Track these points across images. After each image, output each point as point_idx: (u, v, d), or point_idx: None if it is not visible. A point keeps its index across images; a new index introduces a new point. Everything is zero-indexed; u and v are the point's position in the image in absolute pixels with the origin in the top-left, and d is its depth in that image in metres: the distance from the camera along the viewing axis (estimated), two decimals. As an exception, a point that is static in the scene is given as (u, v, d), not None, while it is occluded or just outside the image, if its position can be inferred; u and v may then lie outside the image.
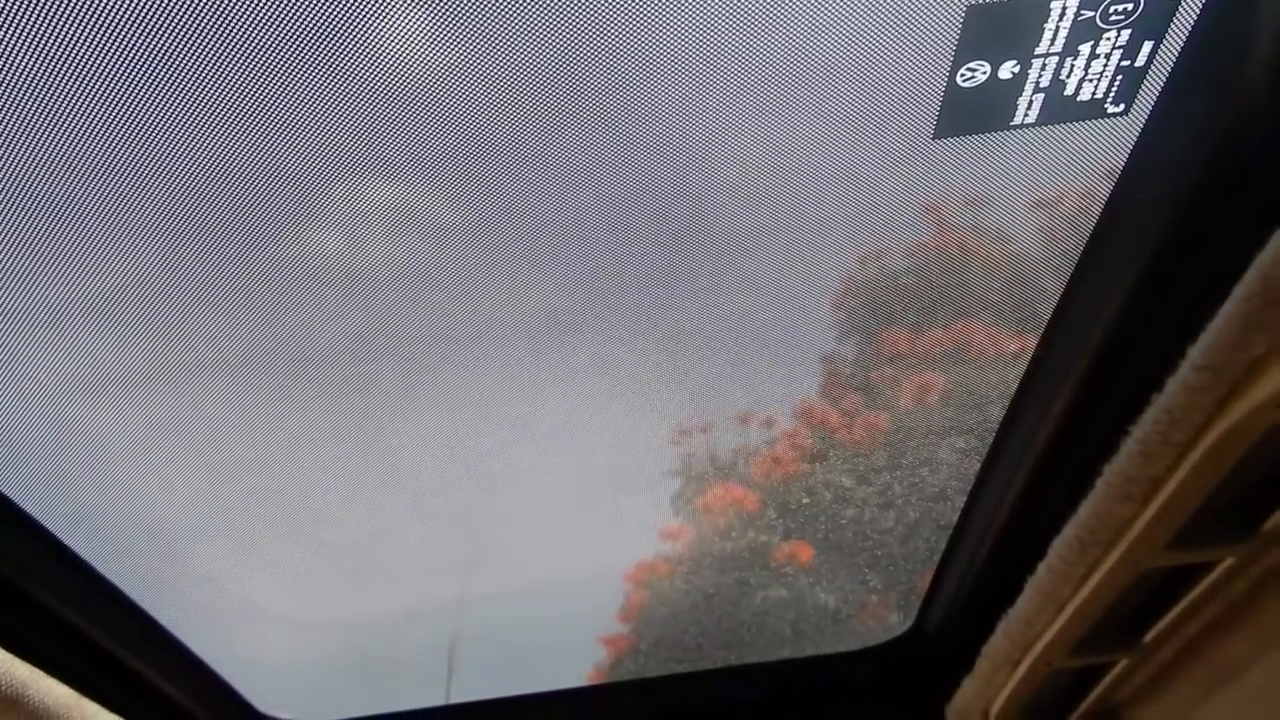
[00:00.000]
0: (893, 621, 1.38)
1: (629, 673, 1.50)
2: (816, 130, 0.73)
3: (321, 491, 1.20)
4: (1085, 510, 0.84)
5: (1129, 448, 0.75)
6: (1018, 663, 1.08)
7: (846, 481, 1.21)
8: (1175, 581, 0.95)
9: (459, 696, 1.44)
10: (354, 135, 0.78)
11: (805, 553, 1.31)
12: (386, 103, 0.75)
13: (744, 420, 1.15)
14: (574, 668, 1.51)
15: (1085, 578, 0.90)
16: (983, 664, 1.13)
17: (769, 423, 1.15)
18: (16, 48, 0.64)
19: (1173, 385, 0.68)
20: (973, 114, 0.69)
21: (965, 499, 1.14)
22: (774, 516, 1.26)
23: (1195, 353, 0.66)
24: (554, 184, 0.84)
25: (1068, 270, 0.84)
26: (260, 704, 1.35)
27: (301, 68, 0.70)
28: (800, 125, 0.73)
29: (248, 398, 1.05)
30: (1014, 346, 0.96)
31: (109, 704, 1.04)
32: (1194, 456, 0.71)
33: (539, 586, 1.39)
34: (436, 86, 0.74)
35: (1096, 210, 0.78)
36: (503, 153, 0.81)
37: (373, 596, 1.43)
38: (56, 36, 0.63)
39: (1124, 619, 0.99)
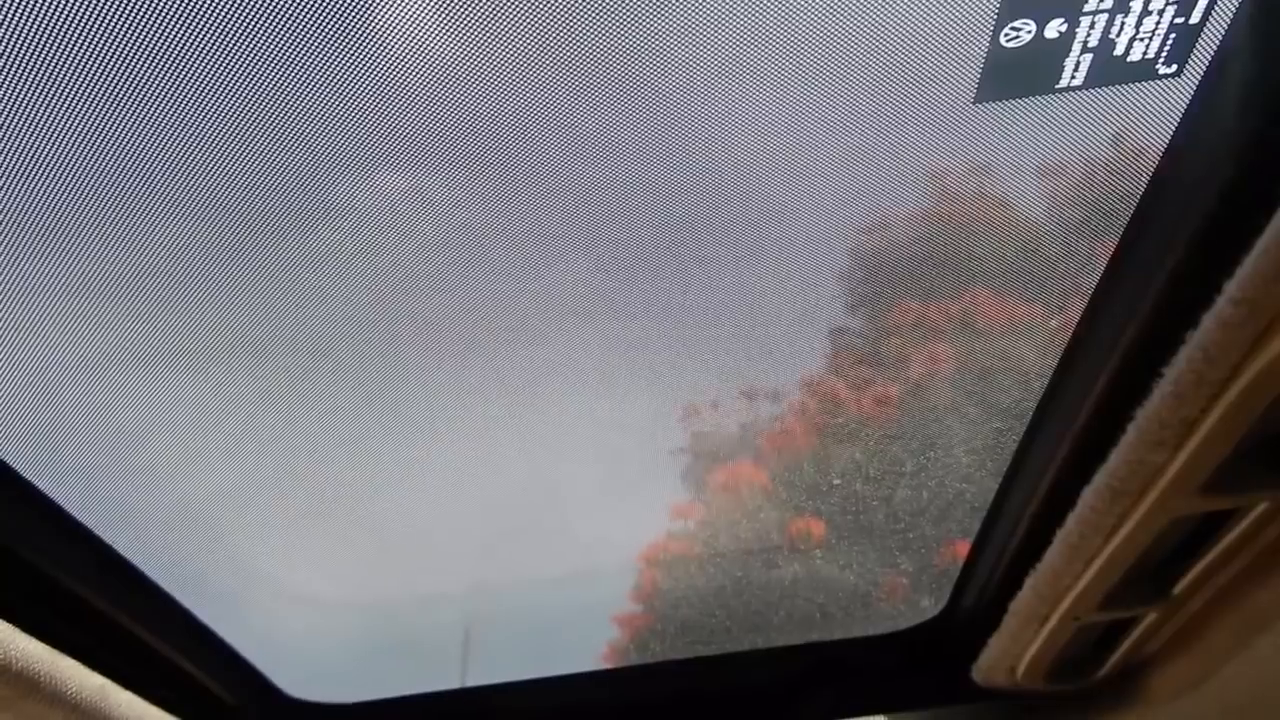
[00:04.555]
0: (924, 605, 1.35)
1: (644, 654, 1.49)
2: (848, 94, 0.70)
3: (343, 475, 1.20)
4: (1116, 458, 0.82)
5: (1162, 389, 0.73)
6: (1045, 618, 1.07)
7: (876, 464, 1.18)
8: (1206, 529, 0.93)
9: (476, 676, 1.44)
10: (369, 123, 0.78)
11: (818, 529, 1.29)
12: (403, 90, 0.74)
13: (758, 397, 1.13)
14: (587, 648, 1.51)
15: (1115, 527, 0.89)
16: (1010, 620, 1.12)
17: (795, 402, 1.13)
18: (43, 33, 0.63)
19: (1208, 321, 0.66)
20: (1017, 76, 0.66)
21: (1000, 480, 1.12)
22: (796, 496, 1.24)
23: (1232, 286, 0.64)
24: (565, 160, 0.82)
25: (1113, 241, 0.80)
26: (285, 686, 1.35)
27: (325, 51, 0.69)
28: (830, 89, 0.70)
29: (272, 381, 1.05)
30: (1055, 321, 0.93)
31: (133, 687, 1.04)
32: (1229, 396, 0.69)
33: (551, 566, 1.39)
34: (449, 72, 0.73)
35: (1144, 177, 0.75)
36: (510, 130, 0.79)
37: (394, 579, 1.43)
38: (78, 28, 0.63)
39: (1153, 570, 0.98)
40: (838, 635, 1.38)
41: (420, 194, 0.87)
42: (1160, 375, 0.73)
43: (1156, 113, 0.70)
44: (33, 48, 0.63)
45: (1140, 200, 0.76)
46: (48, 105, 0.68)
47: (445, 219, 0.89)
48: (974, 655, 1.24)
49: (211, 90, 0.70)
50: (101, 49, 0.65)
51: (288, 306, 0.97)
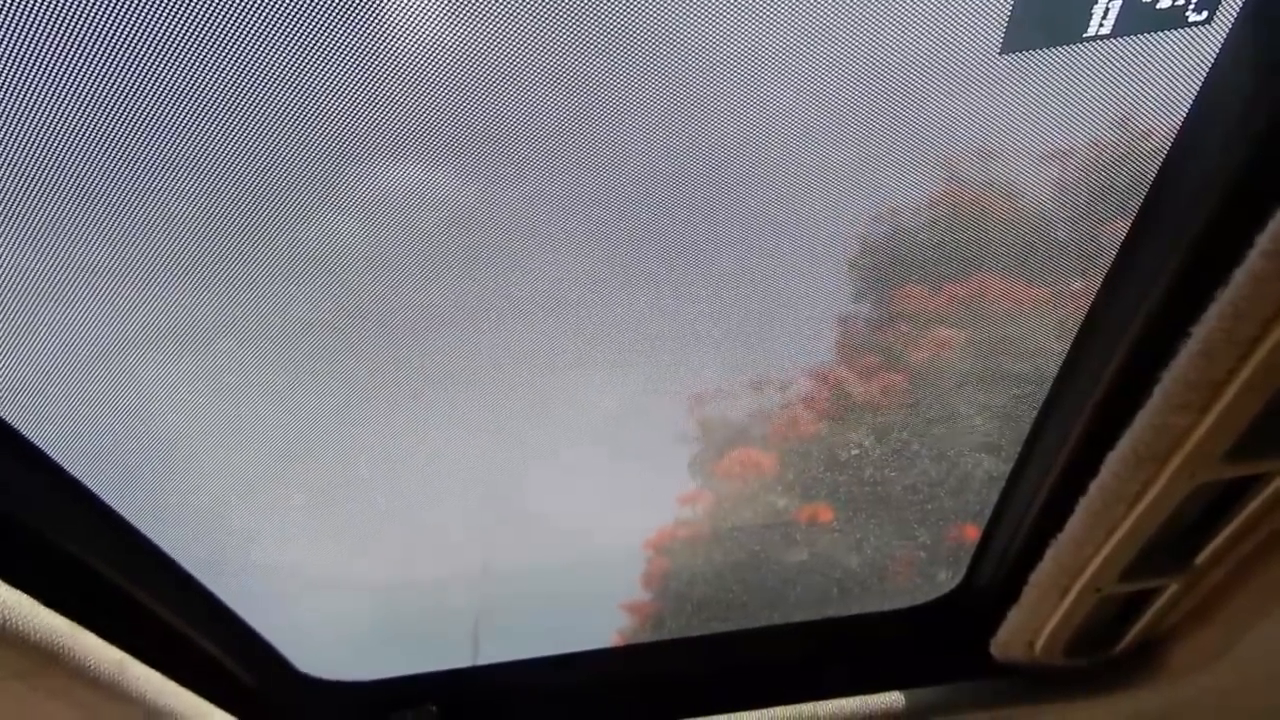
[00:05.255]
0: (941, 578, 1.35)
1: (659, 631, 1.49)
2: (874, 46, 0.69)
3: (357, 456, 1.20)
4: (1141, 422, 0.81)
5: (1190, 349, 0.71)
6: (1066, 589, 1.05)
7: (894, 436, 1.18)
8: (1228, 499, 0.92)
9: (487, 658, 1.44)
10: (374, 112, 0.77)
11: (825, 514, 1.28)
12: (414, 74, 0.74)
13: (772, 369, 1.12)
14: (597, 634, 1.51)
15: (1139, 495, 0.87)
16: (1030, 592, 1.10)
17: (809, 375, 1.12)
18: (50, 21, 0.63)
19: (1239, 276, 0.65)
20: (1044, 24, 0.65)
21: (1019, 449, 1.11)
22: (813, 468, 1.24)
23: (1264, 239, 0.62)
24: (571, 144, 0.82)
25: (1139, 198, 0.79)
26: (301, 664, 1.35)
27: (342, 36, 0.69)
28: (855, 41, 0.69)
29: (290, 363, 1.05)
30: (1078, 284, 0.92)
31: (151, 663, 1.04)
32: (1259, 355, 0.68)
33: (561, 553, 1.39)
34: (463, 54, 0.72)
35: (1172, 130, 0.74)
36: (519, 115, 0.79)
37: (406, 561, 1.43)
38: (86, 20, 0.63)
39: (1175, 539, 0.96)
40: (855, 610, 1.38)
41: (430, 179, 0.86)
42: (1188, 335, 0.71)
43: (1185, 63, 0.69)
44: (42, 33, 0.63)
45: (1168, 154, 0.75)
46: (63, 95, 0.68)
47: (456, 206, 0.89)
48: (992, 630, 1.22)
49: (226, 76, 0.71)
50: (112, 38, 0.65)
51: (303, 289, 0.97)
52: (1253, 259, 0.63)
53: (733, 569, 1.38)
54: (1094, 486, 0.91)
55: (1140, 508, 0.88)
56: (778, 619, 1.41)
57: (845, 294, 1.00)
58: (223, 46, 0.68)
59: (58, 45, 0.64)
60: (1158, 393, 0.77)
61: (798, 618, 1.41)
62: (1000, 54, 0.67)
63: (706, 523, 1.33)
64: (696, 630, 1.45)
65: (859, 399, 1.12)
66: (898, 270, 0.96)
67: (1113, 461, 0.87)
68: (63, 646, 0.89)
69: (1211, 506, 0.93)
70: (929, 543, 1.31)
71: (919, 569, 1.36)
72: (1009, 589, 1.15)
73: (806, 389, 1.12)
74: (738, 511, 1.31)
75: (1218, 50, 0.67)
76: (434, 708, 1.40)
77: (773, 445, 1.22)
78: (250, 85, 0.72)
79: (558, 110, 0.78)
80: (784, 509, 1.28)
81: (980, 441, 1.16)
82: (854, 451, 1.18)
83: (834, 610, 1.40)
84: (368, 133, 0.80)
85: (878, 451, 1.19)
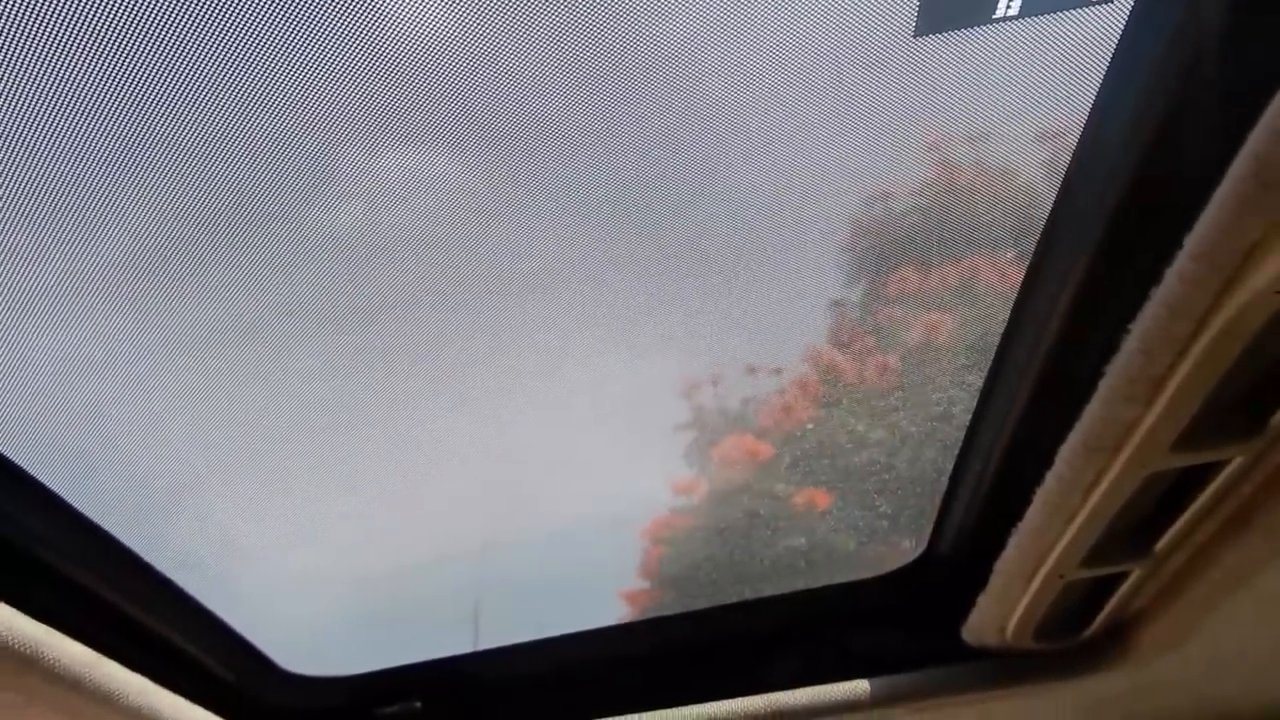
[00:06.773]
0: (905, 547, 1.38)
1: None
2: (788, 33, 0.71)
3: (340, 450, 1.20)
4: (1089, 415, 0.83)
5: (1129, 346, 0.73)
6: (1031, 576, 1.08)
7: (853, 408, 1.20)
8: (1184, 487, 0.94)
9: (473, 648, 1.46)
10: (355, 98, 0.78)
11: (823, 500, 1.31)
12: (397, 63, 0.75)
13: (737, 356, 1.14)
14: (595, 623, 1.52)
15: (1093, 485, 0.89)
16: (996, 579, 1.13)
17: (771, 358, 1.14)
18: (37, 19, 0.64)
19: (1169, 277, 0.67)
20: (954, 7, 0.67)
21: (970, 415, 1.14)
22: (790, 451, 1.26)
23: (1190, 242, 0.64)
24: (559, 134, 0.83)
25: (1058, 176, 0.82)
26: (282, 660, 1.36)
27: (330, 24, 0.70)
28: (769, 27, 0.70)
29: (267, 352, 1.05)
30: (1010, 254, 0.95)
31: (132, 664, 1.05)
32: (1195, 351, 0.70)
33: (556, 545, 1.40)
34: (457, 37, 0.73)
35: (1085, 110, 0.76)
36: (511, 99, 0.80)
37: (388, 553, 1.44)
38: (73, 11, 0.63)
39: (1134, 527, 0.99)
40: (823, 581, 1.40)
41: (422, 162, 0.87)
42: (1129, 332, 0.73)
43: (1093, 43, 0.71)
44: (35, 27, 0.64)
45: (1071, 159, 0.76)
46: (54, 93, 0.69)
47: (449, 190, 0.89)
48: (962, 611, 1.25)
49: (208, 67, 0.71)
50: (101, 34, 0.65)
51: (273, 275, 0.96)
52: (1181, 261, 0.65)
53: (723, 541, 1.40)
54: (1050, 476, 0.93)
55: (1095, 497, 0.90)
56: (750, 593, 1.44)
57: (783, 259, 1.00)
58: (220, 36, 0.68)
59: (47, 41, 0.65)
60: (1103, 386, 0.79)
61: (770, 591, 1.43)
62: (914, 36, 0.70)
63: (700, 509, 1.34)
64: (685, 606, 1.46)
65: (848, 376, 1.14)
66: (827, 242, 0.97)
67: (1065, 452, 0.89)
68: (40, 652, 0.90)
69: (1167, 494, 0.95)
70: (891, 511, 1.34)
71: (883, 537, 1.39)
72: (973, 562, 1.18)
73: (797, 372, 1.13)
74: (734, 498, 1.32)
75: (1121, 28, 0.70)
76: (418, 704, 1.41)
77: (767, 431, 1.23)
78: (236, 77, 0.72)
79: (554, 97, 0.79)
80: (780, 494, 1.30)
81: (938, 409, 1.18)
82: (808, 427, 1.21)
83: (805, 582, 1.42)
84: (361, 118, 0.80)
85: (874, 436, 1.21)
